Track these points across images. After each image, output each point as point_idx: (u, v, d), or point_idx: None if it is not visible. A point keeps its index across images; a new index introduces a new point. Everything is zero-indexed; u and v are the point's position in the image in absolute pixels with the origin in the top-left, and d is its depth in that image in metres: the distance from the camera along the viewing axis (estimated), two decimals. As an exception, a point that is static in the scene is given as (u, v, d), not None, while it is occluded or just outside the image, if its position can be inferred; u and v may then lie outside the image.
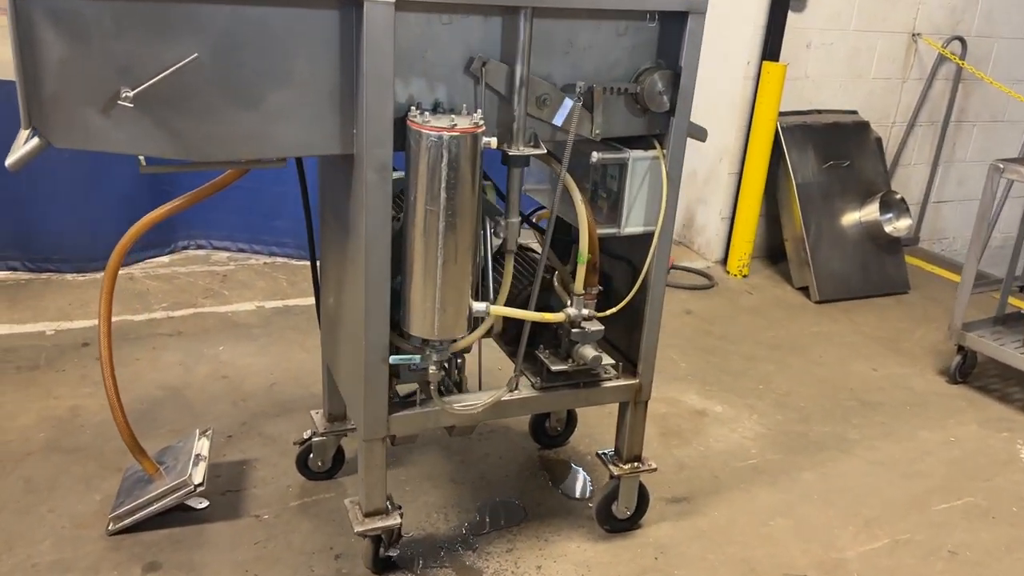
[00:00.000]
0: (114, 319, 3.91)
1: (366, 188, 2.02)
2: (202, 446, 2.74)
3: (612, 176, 2.41)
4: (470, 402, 2.36)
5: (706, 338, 4.28)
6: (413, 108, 2.02)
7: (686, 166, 5.44)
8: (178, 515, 2.62)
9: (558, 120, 2.20)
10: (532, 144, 2.20)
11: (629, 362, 2.60)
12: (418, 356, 2.22)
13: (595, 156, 2.30)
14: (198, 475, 2.60)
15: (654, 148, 2.36)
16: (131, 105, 1.80)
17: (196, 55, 1.83)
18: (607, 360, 2.47)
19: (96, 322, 3.92)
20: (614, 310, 2.43)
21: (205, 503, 2.68)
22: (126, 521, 2.56)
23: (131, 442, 2.60)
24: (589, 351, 2.40)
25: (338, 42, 1.95)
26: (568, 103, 2.19)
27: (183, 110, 1.90)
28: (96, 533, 2.55)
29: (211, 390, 3.41)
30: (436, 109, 2.09)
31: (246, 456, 2.99)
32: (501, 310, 2.26)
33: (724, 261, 5.34)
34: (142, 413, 3.20)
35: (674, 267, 5.22)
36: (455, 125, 1.97)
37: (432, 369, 2.26)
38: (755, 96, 5.00)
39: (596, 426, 3.25)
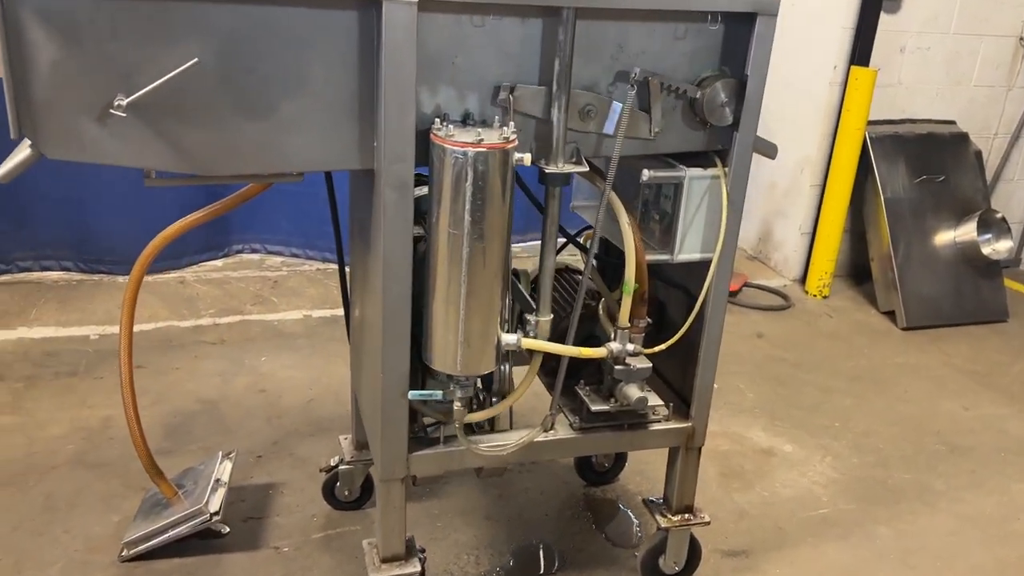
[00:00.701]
0: (160, 324, 3.87)
1: (384, 208, 1.82)
2: (223, 470, 2.59)
3: (666, 196, 2.15)
4: (499, 442, 2.14)
5: (778, 365, 3.96)
6: (437, 120, 1.81)
7: (764, 177, 5.16)
8: (195, 543, 2.48)
9: (608, 128, 1.97)
10: (574, 160, 1.97)
11: (683, 401, 2.34)
12: (440, 392, 2.01)
13: (646, 174, 2.05)
14: (215, 503, 2.45)
15: (715, 166, 2.09)
16: (124, 114, 1.64)
17: (196, 60, 1.66)
18: (655, 401, 2.22)
19: (140, 327, 3.88)
20: (663, 347, 2.17)
21: (226, 529, 2.54)
22: (140, 548, 2.43)
23: (149, 464, 2.47)
24: (634, 391, 2.15)
25: (356, 46, 1.76)
26: (617, 108, 1.95)
27: (186, 120, 1.73)
28: (108, 559, 2.43)
29: (247, 404, 3.28)
30: (466, 121, 1.88)
31: (273, 479, 2.84)
32: (534, 343, 2.03)
33: (803, 280, 4.98)
34: (174, 427, 3.09)
35: (747, 285, 4.90)
36: (481, 140, 1.75)
37: (457, 406, 2.05)
38: (842, 103, 4.64)
39: (650, 462, 2.99)
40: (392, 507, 2.12)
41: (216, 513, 2.43)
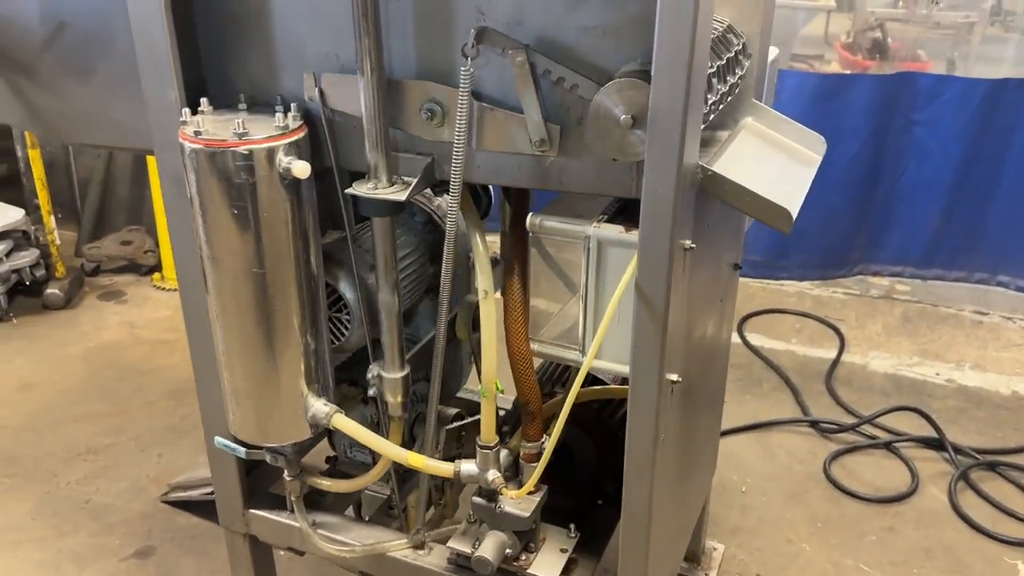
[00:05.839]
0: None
1: (165, 204, 1.45)
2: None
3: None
4: (346, 539, 1.60)
5: None
6: (204, 101, 1.34)
7: None
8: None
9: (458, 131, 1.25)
10: (413, 181, 1.30)
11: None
12: (243, 449, 1.57)
13: (531, 221, 1.26)
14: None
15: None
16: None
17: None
18: (546, 572, 1.42)
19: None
20: (517, 492, 1.36)
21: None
22: (177, 495, 2.47)
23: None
24: (489, 542, 1.40)
25: (153, 0, 1.39)
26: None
27: (33, 79, 1.59)
28: (157, 492, 2.51)
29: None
30: (279, 105, 1.37)
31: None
32: (344, 424, 1.44)
33: None
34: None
35: None
36: (199, 133, 1.25)
37: (287, 476, 1.59)
38: None
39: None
40: (238, 565, 1.77)
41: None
